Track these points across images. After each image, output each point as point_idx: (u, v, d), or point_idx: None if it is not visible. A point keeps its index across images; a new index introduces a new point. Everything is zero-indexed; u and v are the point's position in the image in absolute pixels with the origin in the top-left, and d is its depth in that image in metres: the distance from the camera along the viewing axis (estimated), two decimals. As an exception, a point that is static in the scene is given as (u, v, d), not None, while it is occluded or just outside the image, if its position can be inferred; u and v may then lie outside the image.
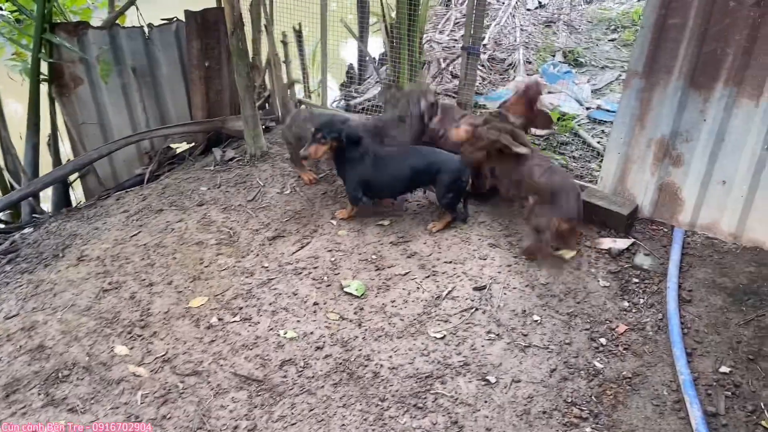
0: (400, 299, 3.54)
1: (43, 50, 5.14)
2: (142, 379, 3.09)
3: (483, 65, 7.03)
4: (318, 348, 3.25)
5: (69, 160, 5.38)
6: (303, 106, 6.05)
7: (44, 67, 5.27)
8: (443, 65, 6.88)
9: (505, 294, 3.55)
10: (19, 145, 5.50)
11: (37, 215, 5.04)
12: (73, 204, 5.77)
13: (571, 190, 3.77)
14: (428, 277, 3.70)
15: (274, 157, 5.06)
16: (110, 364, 3.17)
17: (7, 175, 5.46)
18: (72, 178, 5.72)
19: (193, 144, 6.02)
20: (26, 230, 4.54)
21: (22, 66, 5.42)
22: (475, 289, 3.58)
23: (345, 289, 3.61)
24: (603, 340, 3.26)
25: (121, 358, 3.20)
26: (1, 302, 3.67)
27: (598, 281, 3.65)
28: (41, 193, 5.52)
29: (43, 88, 5.34)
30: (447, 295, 3.56)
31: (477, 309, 3.46)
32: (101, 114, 5.55)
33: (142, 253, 3.97)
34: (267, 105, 6.38)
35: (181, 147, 6.06)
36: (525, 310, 3.44)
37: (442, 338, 3.28)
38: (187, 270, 3.80)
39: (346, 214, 4.21)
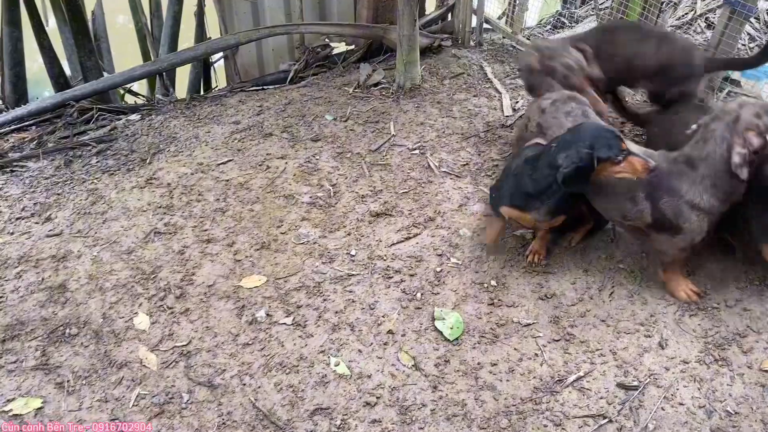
0: (504, 364, 2.48)
1: None
2: (147, 372, 2.44)
3: (759, 21, 5.08)
4: (368, 404, 2.35)
5: (209, 38, 4.75)
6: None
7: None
8: (698, 10, 5.06)
9: (663, 409, 2.33)
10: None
11: (161, 98, 4.54)
12: (213, 85, 5.24)
13: None
14: (558, 341, 2.57)
15: (424, 95, 3.99)
16: (122, 338, 2.55)
17: (150, 43, 5.00)
18: (214, 58, 5.14)
19: (352, 47, 5.11)
20: (133, 116, 4.03)
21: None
22: (620, 386, 2.40)
23: (436, 323, 2.62)
24: None
25: (137, 333, 2.57)
26: (59, 207, 3.21)
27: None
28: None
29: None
30: (575, 381, 2.42)
31: (611, 420, 2.30)
32: (255, -10, 4.77)
33: (220, 191, 3.25)
34: (450, 16, 5.18)
35: (340, 47, 5.18)
36: (686, 449, 2.23)
37: (543, 452, 2.22)
38: (258, 231, 3.02)
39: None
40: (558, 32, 5.02)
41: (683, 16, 4.93)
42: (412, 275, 2.83)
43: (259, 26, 4.76)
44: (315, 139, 3.64)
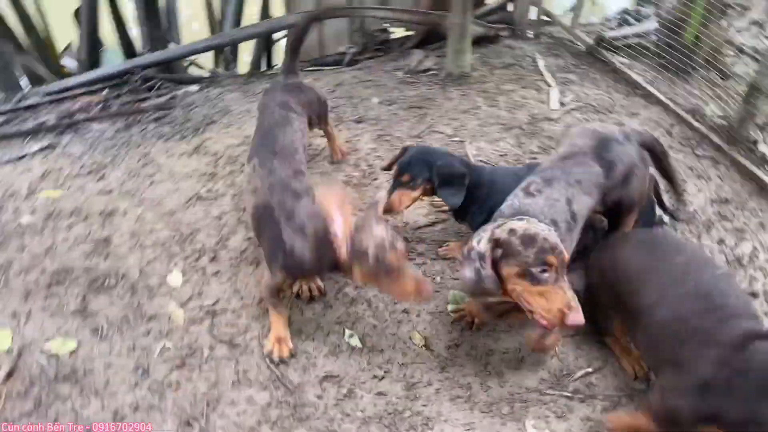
0: (515, 353, 2.50)
1: None
2: (173, 327, 2.60)
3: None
4: (375, 377, 2.44)
5: (270, 17, 4.90)
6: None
7: None
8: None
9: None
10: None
11: (221, 72, 4.72)
12: (274, 64, 5.40)
13: None
14: (573, 335, 2.57)
15: (471, 84, 4.00)
16: (155, 293, 2.72)
17: (215, 18, 5.19)
18: (277, 36, 5.29)
19: (411, 33, 5.15)
20: (192, 87, 4.22)
21: None
22: (629, 385, 2.39)
23: (449, 306, 2.67)
24: None
25: (169, 290, 2.73)
26: (114, 166, 3.42)
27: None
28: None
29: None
30: (583, 376, 2.43)
31: (615, 419, 2.31)
32: (320, -29, 4.87)
33: (262, 163, 3.38)
34: (510, 6, 5.14)
35: (399, 32, 5.23)
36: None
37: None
38: (291, 204, 3.14)
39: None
40: (622, 29, 4.88)
41: (756, 20, 4.72)
42: (434, 259, 2.89)
43: (321, 8, 4.87)
44: (358, 121, 3.73)
